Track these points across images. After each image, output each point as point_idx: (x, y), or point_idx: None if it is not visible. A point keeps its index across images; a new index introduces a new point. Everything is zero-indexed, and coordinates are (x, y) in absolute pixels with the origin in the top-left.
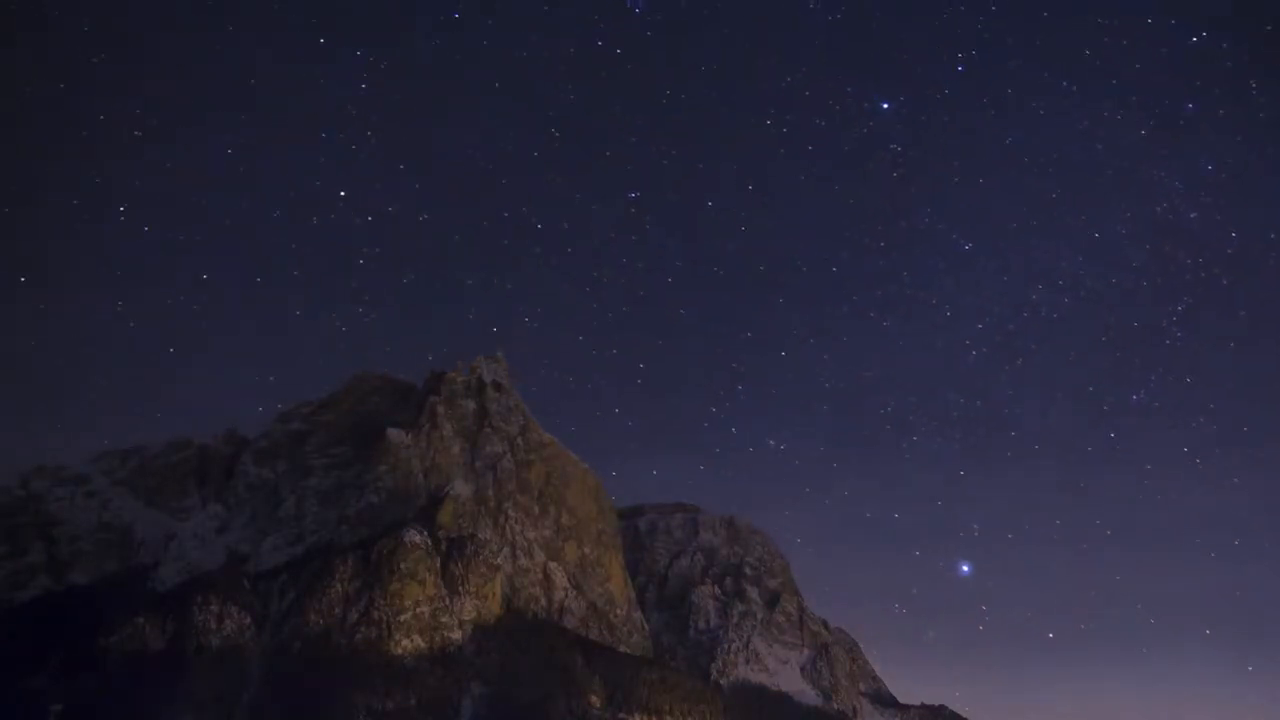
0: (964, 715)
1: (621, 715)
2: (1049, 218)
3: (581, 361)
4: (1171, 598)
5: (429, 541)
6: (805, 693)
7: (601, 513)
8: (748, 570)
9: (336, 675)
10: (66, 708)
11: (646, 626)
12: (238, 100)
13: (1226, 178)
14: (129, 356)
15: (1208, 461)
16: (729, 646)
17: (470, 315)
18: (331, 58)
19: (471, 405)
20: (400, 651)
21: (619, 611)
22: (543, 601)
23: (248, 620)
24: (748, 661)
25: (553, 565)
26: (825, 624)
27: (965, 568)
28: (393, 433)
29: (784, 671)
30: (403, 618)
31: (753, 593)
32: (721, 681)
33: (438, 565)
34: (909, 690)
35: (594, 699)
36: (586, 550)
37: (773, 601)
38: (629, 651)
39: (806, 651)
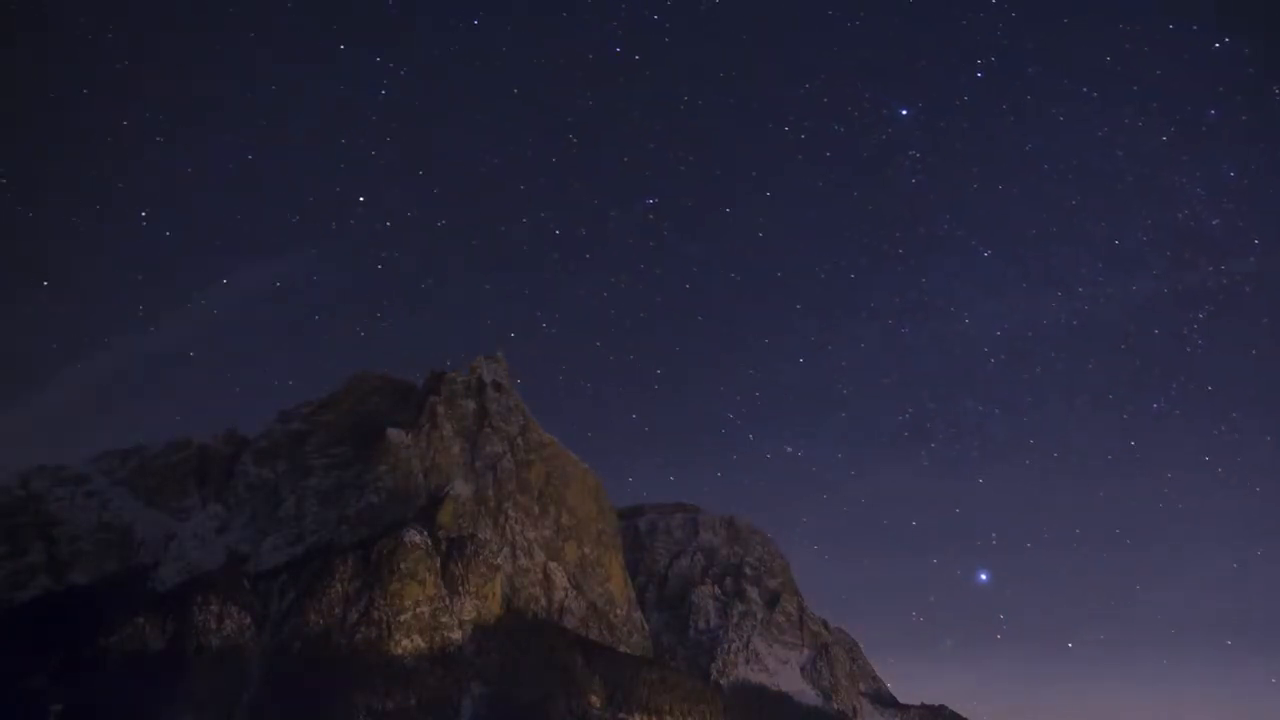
0: (964, 715)
1: (621, 715)
2: (1069, 224)
3: (598, 367)
4: (1192, 608)
5: (429, 541)
6: (805, 693)
7: (601, 513)
8: (748, 570)
9: (336, 675)
10: (66, 708)
11: (646, 626)
12: (252, 104)
13: (1249, 184)
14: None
15: (1229, 470)
16: (729, 646)
17: (488, 321)
18: (351, 63)
19: (471, 405)
20: (400, 651)
21: (619, 611)
22: (543, 601)
23: (248, 620)
24: (748, 661)
25: (553, 565)
26: (825, 624)
27: (983, 576)
28: (393, 433)
29: (784, 671)
30: (403, 618)
31: (753, 593)
32: (721, 681)
33: (438, 565)
34: (928, 698)
35: (594, 699)
36: (586, 550)
37: (773, 601)
38: (629, 651)
39: (806, 651)
